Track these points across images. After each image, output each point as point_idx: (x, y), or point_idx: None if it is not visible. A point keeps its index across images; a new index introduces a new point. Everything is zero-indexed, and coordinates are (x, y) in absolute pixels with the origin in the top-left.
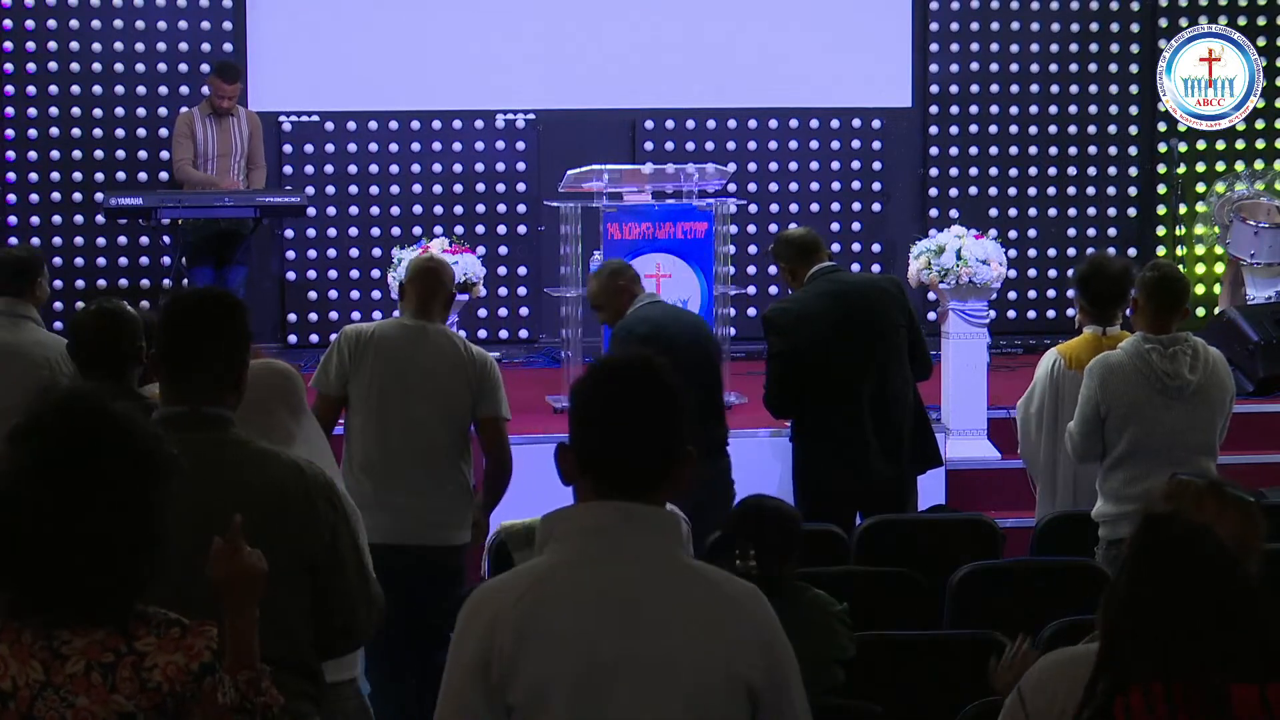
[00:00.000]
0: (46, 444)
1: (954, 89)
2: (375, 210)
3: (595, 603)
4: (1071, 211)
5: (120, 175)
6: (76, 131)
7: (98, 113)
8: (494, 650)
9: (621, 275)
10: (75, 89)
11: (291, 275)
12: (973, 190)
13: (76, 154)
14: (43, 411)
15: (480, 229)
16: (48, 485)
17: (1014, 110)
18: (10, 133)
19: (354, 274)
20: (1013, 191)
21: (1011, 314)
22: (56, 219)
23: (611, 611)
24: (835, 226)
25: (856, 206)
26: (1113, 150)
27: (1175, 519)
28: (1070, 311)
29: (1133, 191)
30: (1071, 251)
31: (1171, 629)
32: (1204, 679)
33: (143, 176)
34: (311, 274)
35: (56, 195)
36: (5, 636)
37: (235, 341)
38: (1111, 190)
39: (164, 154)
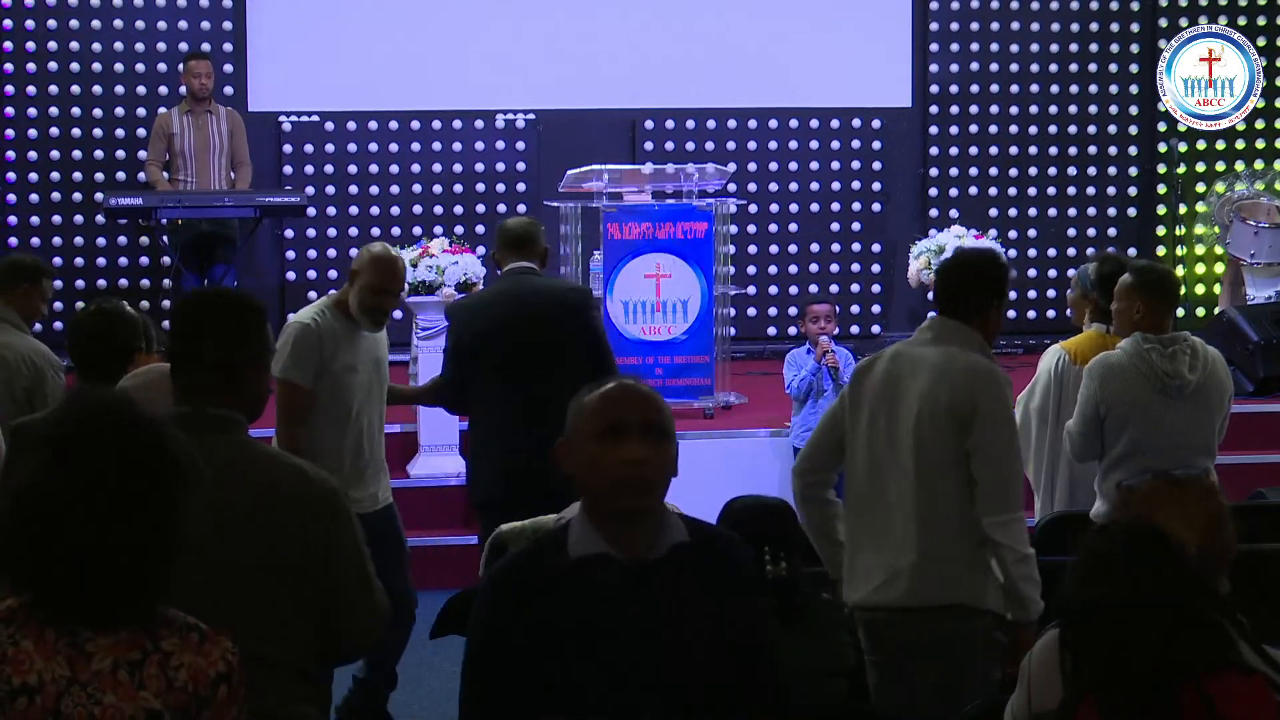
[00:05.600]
0: (76, 455)
1: (954, 89)
2: (375, 210)
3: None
4: (1071, 211)
5: (120, 175)
6: (76, 131)
7: (98, 113)
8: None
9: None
10: (75, 89)
11: (291, 275)
12: (973, 190)
13: (76, 154)
14: (71, 421)
15: (480, 229)
16: (78, 496)
17: (1014, 110)
18: (10, 133)
19: None
20: (1013, 191)
21: (1011, 314)
22: (56, 219)
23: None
24: (835, 226)
25: (856, 206)
26: (1113, 150)
27: (1121, 524)
28: (1070, 312)
29: (1133, 191)
30: (1071, 251)
31: (1125, 633)
32: (1155, 681)
33: (142, 176)
34: (311, 274)
35: (56, 195)
36: (28, 633)
37: (243, 342)
38: (1111, 190)
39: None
